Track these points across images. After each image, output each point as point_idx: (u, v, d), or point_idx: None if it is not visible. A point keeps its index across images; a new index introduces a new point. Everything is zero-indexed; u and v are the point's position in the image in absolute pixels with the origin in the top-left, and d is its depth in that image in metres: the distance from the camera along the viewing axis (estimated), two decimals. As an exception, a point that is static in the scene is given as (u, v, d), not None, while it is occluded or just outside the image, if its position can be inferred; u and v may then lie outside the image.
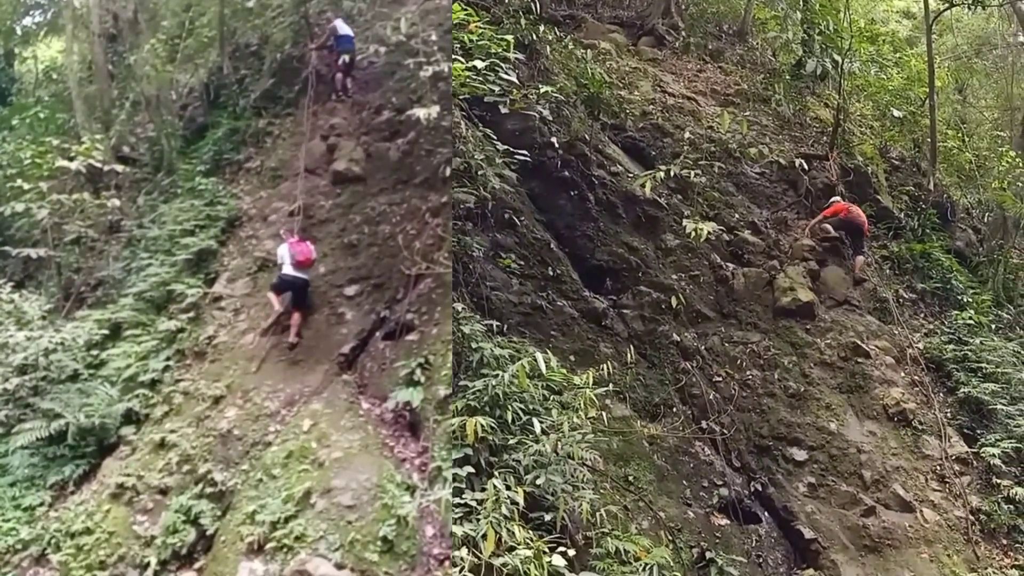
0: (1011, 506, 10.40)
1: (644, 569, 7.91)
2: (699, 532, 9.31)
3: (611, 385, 9.06)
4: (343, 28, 14.32)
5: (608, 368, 8.75)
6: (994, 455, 10.78)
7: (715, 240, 12.09)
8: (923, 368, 12.28)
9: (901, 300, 13.56)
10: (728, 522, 9.69)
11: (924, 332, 13.13)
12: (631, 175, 12.42)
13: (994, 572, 9.59)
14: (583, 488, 7.78)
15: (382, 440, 9.58)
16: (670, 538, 8.90)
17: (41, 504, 9.80)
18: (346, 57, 14.01)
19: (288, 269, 11.06)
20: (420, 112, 11.37)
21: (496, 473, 7.12)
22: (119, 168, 14.49)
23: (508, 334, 9.59)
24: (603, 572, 7.39)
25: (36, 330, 11.25)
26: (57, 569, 9.05)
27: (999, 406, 11.55)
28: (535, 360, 7.22)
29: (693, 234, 10.80)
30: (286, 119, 14.58)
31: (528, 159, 10.30)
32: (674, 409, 10.58)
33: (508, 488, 6.76)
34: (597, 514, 7.83)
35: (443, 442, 8.96)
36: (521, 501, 6.67)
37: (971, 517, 10.24)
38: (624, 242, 11.94)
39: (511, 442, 7.55)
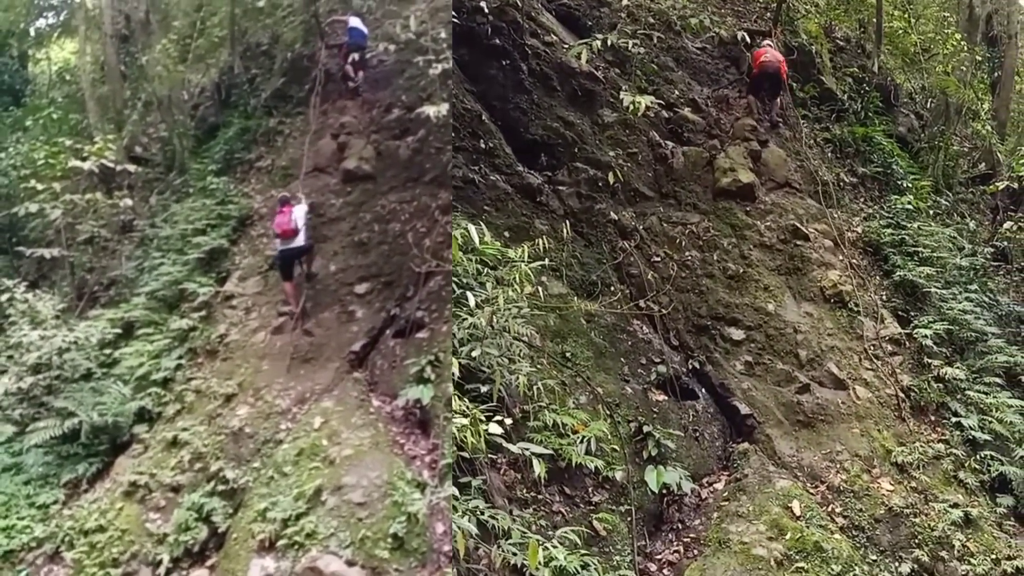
0: (940, 384, 10.52)
1: (582, 441, 7.97)
2: (637, 407, 9.27)
3: (547, 261, 8.88)
4: (355, 21, 14.35)
5: (543, 244, 8.52)
6: (926, 336, 10.90)
7: (654, 117, 11.68)
8: (861, 251, 12.25)
9: (842, 183, 13.34)
10: (665, 398, 9.66)
11: (863, 216, 13.00)
12: (566, 46, 11.74)
13: (921, 446, 9.71)
14: (519, 362, 7.65)
15: (392, 438, 9.59)
16: (608, 413, 8.85)
17: (55, 502, 9.86)
18: (355, 55, 14.03)
19: (278, 245, 11.29)
20: (430, 110, 11.37)
21: (430, 344, 7.04)
22: (131, 168, 14.60)
23: (440, 207, 9.28)
24: (541, 444, 7.29)
25: (50, 329, 11.32)
26: (71, 566, 9.10)
27: (933, 289, 11.63)
28: (468, 232, 6.93)
29: (631, 107, 10.42)
30: (296, 118, 14.62)
31: (456, 22, 9.88)
32: (611, 288, 10.40)
33: (443, 358, 6.69)
34: (534, 388, 7.76)
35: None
36: (456, 371, 6.59)
37: (901, 395, 10.32)
38: (559, 116, 11.47)
39: (445, 315, 7.41)
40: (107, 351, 11.48)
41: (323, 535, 8.35)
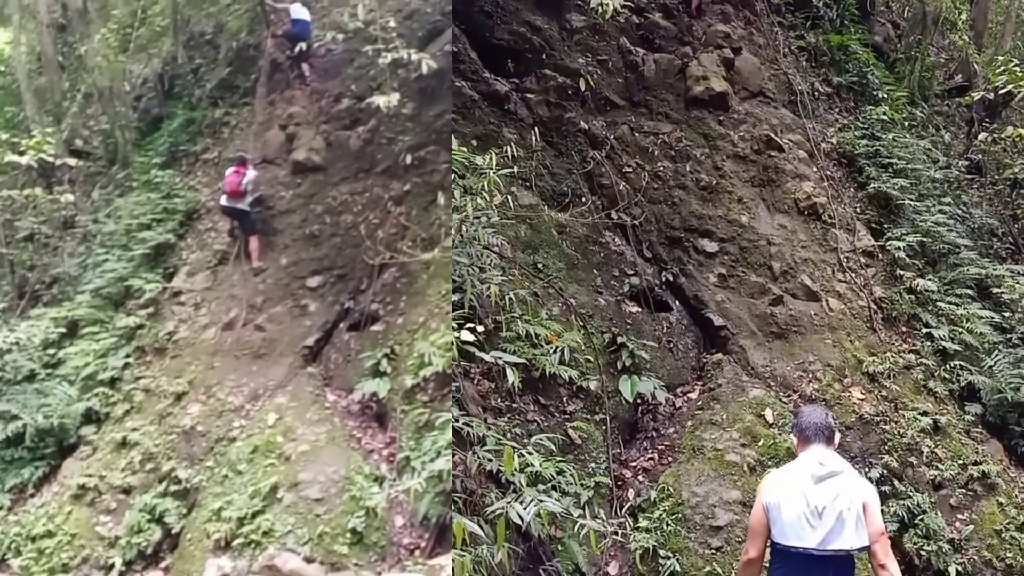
0: (912, 296, 10.62)
1: (555, 351, 7.96)
2: (610, 319, 9.24)
3: (515, 170, 8.72)
4: (297, 12, 14.06)
5: (512, 153, 8.33)
6: (899, 248, 10.96)
7: (624, 23, 11.34)
8: (835, 163, 12.19)
9: (816, 93, 13.12)
10: (639, 310, 9.63)
11: (838, 127, 12.86)
12: None
13: (892, 356, 9.86)
14: (490, 271, 7.52)
15: (349, 432, 9.51)
16: (581, 324, 8.80)
17: None
18: (303, 45, 13.78)
19: (223, 200, 11.67)
20: (380, 100, 11.21)
21: (397, 252, 6.94)
22: (72, 162, 14.15)
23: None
24: (514, 353, 7.21)
25: (-10, 330, 11.00)
26: (19, 574, 8.87)
27: (907, 201, 11.63)
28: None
29: (599, 9, 10.02)
30: (243, 109, 14.33)
31: None
32: (582, 198, 10.22)
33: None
34: (506, 298, 7.63)
35: (411, 432, 8.92)
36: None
37: (874, 306, 10.42)
38: (526, 20, 11.07)
39: (412, 223, 7.26)
40: (51, 351, 11.17)
41: (280, 532, 8.26)
